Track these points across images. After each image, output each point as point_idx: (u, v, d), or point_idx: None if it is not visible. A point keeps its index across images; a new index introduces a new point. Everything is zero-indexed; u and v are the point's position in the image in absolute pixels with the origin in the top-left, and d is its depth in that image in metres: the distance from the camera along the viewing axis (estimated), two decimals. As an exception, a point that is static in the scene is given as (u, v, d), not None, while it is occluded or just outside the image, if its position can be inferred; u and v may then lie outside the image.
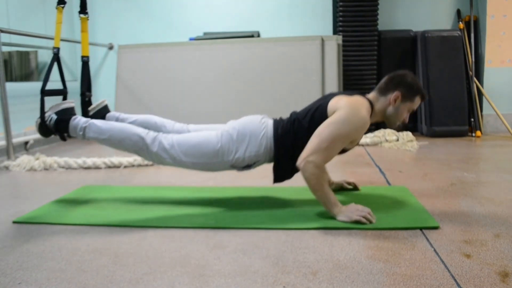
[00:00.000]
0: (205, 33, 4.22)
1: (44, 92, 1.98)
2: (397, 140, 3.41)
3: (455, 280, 1.14)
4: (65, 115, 1.86)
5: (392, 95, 1.70)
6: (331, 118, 1.61)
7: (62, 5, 2.10)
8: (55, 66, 2.11)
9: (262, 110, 3.59)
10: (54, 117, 1.86)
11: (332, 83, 3.61)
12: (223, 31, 4.19)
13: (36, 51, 3.83)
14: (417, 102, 1.73)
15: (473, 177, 2.27)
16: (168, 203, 1.92)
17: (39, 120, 1.90)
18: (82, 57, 2.17)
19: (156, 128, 1.94)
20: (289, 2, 4.20)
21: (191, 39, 4.11)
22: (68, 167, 2.78)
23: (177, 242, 1.46)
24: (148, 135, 1.76)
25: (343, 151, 1.72)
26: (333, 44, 3.64)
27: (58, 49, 2.06)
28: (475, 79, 3.88)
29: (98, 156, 2.89)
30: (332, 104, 1.66)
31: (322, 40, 3.65)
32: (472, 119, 3.81)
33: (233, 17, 4.25)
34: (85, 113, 2.02)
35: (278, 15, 4.22)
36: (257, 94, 3.69)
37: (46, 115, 1.89)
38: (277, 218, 1.65)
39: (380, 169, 2.53)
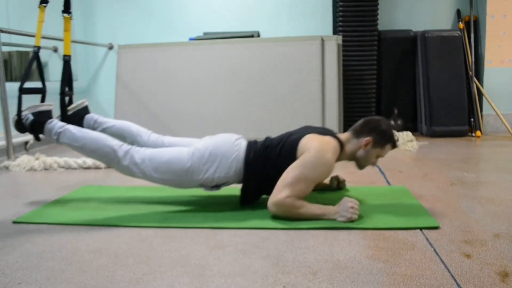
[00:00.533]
0: (205, 33, 4.22)
1: (22, 90, 1.98)
2: (397, 140, 3.41)
3: (455, 280, 1.14)
4: (42, 117, 1.87)
5: (364, 140, 1.73)
6: (298, 161, 1.63)
7: (44, 5, 2.11)
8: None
9: (262, 110, 3.60)
10: (31, 117, 1.88)
11: (332, 83, 3.61)
12: (223, 31, 4.19)
13: (36, 51, 3.83)
14: (387, 149, 1.77)
15: (473, 177, 2.27)
16: (168, 203, 1.92)
17: (16, 118, 1.91)
18: (64, 56, 2.16)
19: (132, 137, 1.97)
20: (289, 2, 4.20)
21: (191, 39, 4.11)
22: (68, 167, 2.78)
23: (177, 242, 1.46)
24: (121, 148, 1.77)
25: None
26: (333, 44, 3.64)
27: (38, 48, 2.07)
28: (475, 79, 3.88)
29: (98, 156, 2.89)
30: (303, 143, 1.68)
31: (322, 40, 3.64)
32: (472, 119, 3.81)
33: (233, 17, 4.24)
34: (64, 112, 2.02)
35: (278, 15, 4.22)
36: (257, 94, 3.69)
37: (23, 114, 1.90)
38: (276, 218, 1.65)
39: (380, 169, 2.53)
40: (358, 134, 1.76)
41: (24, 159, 2.80)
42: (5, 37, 3.14)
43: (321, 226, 1.55)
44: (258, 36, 4.14)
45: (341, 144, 1.74)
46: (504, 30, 3.89)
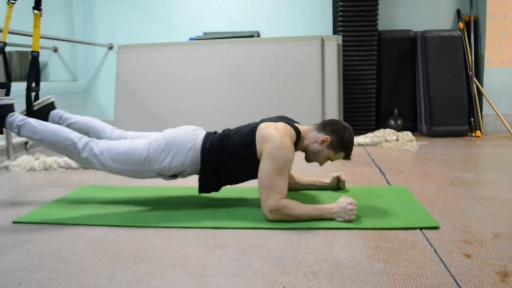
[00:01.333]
0: (205, 33, 4.22)
1: None
2: (397, 140, 3.41)
3: (455, 280, 1.14)
4: (3, 111, 1.87)
5: (323, 136, 1.75)
6: (265, 160, 1.63)
7: (13, 1, 2.12)
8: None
9: (262, 110, 3.60)
10: None
11: (332, 83, 3.61)
12: (223, 31, 4.19)
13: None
14: (338, 156, 1.79)
15: (473, 177, 2.27)
16: (168, 203, 1.92)
17: None
18: (32, 51, 2.17)
19: (95, 132, 2.00)
20: (289, 2, 4.20)
21: (191, 39, 4.11)
22: (68, 167, 2.78)
23: (177, 242, 1.46)
24: (81, 141, 1.79)
25: None
26: (333, 44, 3.64)
27: (4, 43, 2.07)
28: (475, 79, 3.88)
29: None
30: (260, 131, 1.69)
31: (322, 40, 3.65)
32: (472, 119, 3.81)
33: (233, 17, 4.25)
34: (29, 108, 2.03)
35: (278, 15, 4.22)
36: (257, 94, 3.69)
37: None
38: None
39: (380, 169, 2.53)
40: (320, 129, 1.78)
41: (24, 159, 2.80)
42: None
43: (321, 226, 1.55)
44: (258, 36, 4.14)
45: (298, 133, 1.75)
46: (504, 30, 3.89)
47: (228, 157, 1.72)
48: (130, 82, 3.89)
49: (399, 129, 3.78)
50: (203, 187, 1.82)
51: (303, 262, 1.27)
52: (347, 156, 1.80)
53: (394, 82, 4.05)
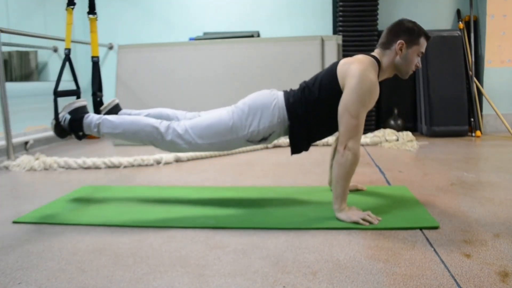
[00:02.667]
0: (205, 33, 4.22)
1: (57, 93, 1.98)
2: (397, 140, 3.41)
3: (455, 280, 1.14)
4: (78, 114, 1.87)
5: (396, 45, 1.68)
6: (347, 95, 1.60)
7: (72, 6, 2.11)
8: (68, 67, 2.11)
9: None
10: (68, 117, 1.87)
11: (332, 83, 3.61)
12: (223, 31, 4.19)
13: (36, 51, 3.83)
14: (423, 43, 1.71)
15: (473, 177, 2.27)
16: (168, 203, 1.92)
17: (54, 122, 1.90)
18: (92, 57, 2.18)
19: (169, 119, 1.94)
20: (289, 2, 4.20)
21: (191, 39, 4.11)
22: (68, 167, 2.78)
23: (177, 242, 1.46)
24: (162, 124, 1.77)
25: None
26: (333, 44, 3.64)
27: (69, 50, 2.08)
28: (475, 79, 3.88)
29: (98, 156, 2.89)
30: (341, 68, 1.66)
31: (322, 40, 3.65)
32: (472, 119, 3.81)
33: (233, 17, 4.25)
34: (97, 113, 2.04)
35: (278, 15, 4.22)
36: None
37: (60, 115, 1.89)
38: (277, 218, 1.65)
39: (380, 169, 2.53)
40: (387, 45, 1.70)
41: (24, 159, 2.80)
42: (5, 37, 3.14)
43: (321, 226, 1.55)
44: (258, 36, 4.14)
45: (378, 61, 1.70)
46: (504, 30, 3.89)
47: (314, 104, 1.68)
48: (130, 82, 3.89)
49: (399, 129, 3.78)
50: (295, 146, 1.77)
51: (303, 262, 1.27)
52: (427, 36, 1.71)
53: (394, 82, 4.03)
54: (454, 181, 2.19)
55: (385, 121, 3.93)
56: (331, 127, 1.70)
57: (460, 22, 3.96)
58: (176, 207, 1.85)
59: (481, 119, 3.93)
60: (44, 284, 1.18)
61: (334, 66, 1.71)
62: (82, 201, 1.98)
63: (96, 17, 2.18)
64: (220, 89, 3.74)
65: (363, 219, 1.57)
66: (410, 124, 4.02)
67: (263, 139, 1.75)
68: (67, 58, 2.08)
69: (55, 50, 4.04)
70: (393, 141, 3.39)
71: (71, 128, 1.87)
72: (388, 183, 2.22)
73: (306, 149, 1.80)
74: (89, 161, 2.78)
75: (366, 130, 3.74)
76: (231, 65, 3.74)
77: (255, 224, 1.60)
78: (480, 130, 3.81)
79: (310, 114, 1.69)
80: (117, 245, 1.45)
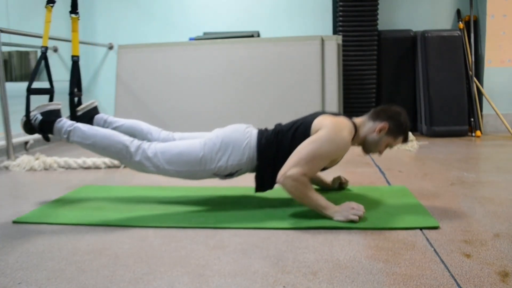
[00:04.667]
0: (205, 33, 4.22)
1: (30, 91, 1.97)
2: (409, 138, 3.40)
3: (455, 280, 1.14)
4: (51, 116, 1.86)
5: (380, 125, 1.72)
6: (313, 137, 1.62)
7: (51, 4, 2.10)
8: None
9: (262, 110, 3.60)
10: (39, 117, 1.87)
11: (332, 83, 3.61)
12: (223, 31, 4.19)
13: (36, 51, 3.83)
14: (398, 141, 1.77)
15: (473, 177, 2.27)
16: (168, 203, 1.92)
17: (24, 118, 1.89)
18: (72, 56, 2.16)
19: (142, 135, 1.96)
20: (289, 2, 4.20)
21: (191, 39, 4.11)
22: (68, 167, 2.78)
23: (177, 242, 1.46)
24: (133, 143, 1.77)
25: (323, 169, 1.75)
26: (333, 44, 3.64)
27: (46, 48, 2.06)
28: (475, 79, 3.88)
29: (98, 156, 2.89)
30: (316, 122, 1.68)
31: (322, 40, 3.65)
32: (472, 119, 3.81)
33: (233, 17, 4.24)
34: (73, 113, 2.01)
35: (278, 15, 4.22)
36: (257, 94, 3.69)
37: (32, 114, 1.88)
38: (277, 218, 1.65)
39: (380, 169, 2.53)
40: (375, 118, 1.75)
41: (24, 159, 2.80)
42: (5, 37, 3.14)
43: (321, 226, 1.55)
44: (258, 36, 4.14)
45: (355, 127, 1.73)
46: (504, 30, 3.89)
47: (284, 150, 1.69)
48: (130, 82, 3.89)
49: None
50: (260, 185, 1.78)
51: (303, 262, 1.27)
52: (405, 139, 1.77)
53: (394, 82, 4.05)
54: (454, 181, 2.19)
55: (385, 121, 3.93)
56: None
57: (460, 22, 3.96)
58: (176, 207, 1.85)
59: (481, 119, 3.93)
60: (44, 284, 1.18)
61: (313, 118, 1.71)
62: (82, 201, 1.98)
63: (78, 17, 2.18)
64: (220, 89, 3.74)
65: (353, 211, 1.57)
66: (410, 124, 4.01)
67: (230, 174, 1.77)
68: (44, 56, 2.06)
69: (55, 50, 4.04)
70: (393, 141, 3.38)
71: (41, 129, 1.87)
72: (388, 183, 2.22)
73: (271, 188, 1.80)
74: (89, 161, 2.78)
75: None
76: (231, 65, 3.74)
77: (255, 224, 1.60)
78: (480, 130, 3.81)
79: (279, 158, 1.69)
80: (117, 245, 1.45)
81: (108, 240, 1.49)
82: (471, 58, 3.87)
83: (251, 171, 1.79)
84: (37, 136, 3.63)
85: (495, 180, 2.20)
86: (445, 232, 1.48)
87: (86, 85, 4.46)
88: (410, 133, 3.44)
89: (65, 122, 1.85)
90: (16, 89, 3.43)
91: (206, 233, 1.53)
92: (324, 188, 2.05)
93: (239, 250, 1.38)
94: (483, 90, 3.91)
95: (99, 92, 4.46)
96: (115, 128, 1.97)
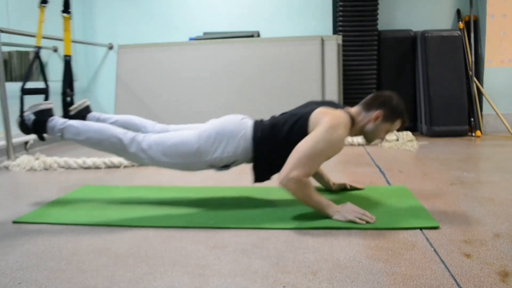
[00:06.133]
0: (205, 33, 4.22)
1: (24, 91, 1.98)
2: (397, 140, 3.41)
3: (455, 280, 1.14)
4: (43, 116, 1.86)
5: (374, 113, 1.72)
6: (311, 135, 1.61)
7: (44, 5, 2.10)
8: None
9: (262, 110, 3.60)
10: (32, 117, 1.87)
11: (332, 83, 3.61)
12: (223, 31, 4.19)
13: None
14: (396, 125, 1.77)
15: (473, 177, 2.27)
16: (168, 203, 1.92)
17: (19, 119, 1.90)
18: (65, 56, 2.16)
19: (136, 129, 1.95)
20: (289, 2, 4.20)
21: (191, 39, 4.11)
22: (68, 167, 2.78)
23: (177, 242, 1.46)
24: (126, 136, 1.77)
25: None
26: (333, 44, 3.64)
27: (39, 48, 2.06)
28: (475, 79, 3.88)
29: (98, 156, 2.89)
30: (314, 118, 1.66)
31: (322, 40, 3.65)
32: (472, 119, 3.81)
33: (233, 17, 4.25)
34: (66, 113, 2.02)
35: (278, 15, 4.22)
36: (257, 94, 3.69)
37: (25, 114, 1.89)
38: (277, 218, 1.65)
39: (380, 169, 2.53)
40: (368, 107, 1.75)
41: (24, 159, 2.80)
42: (5, 37, 3.14)
43: (321, 226, 1.55)
44: (258, 36, 4.14)
45: (352, 118, 1.73)
46: (504, 30, 3.89)
47: (280, 143, 1.69)
48: (130, 82, 3.89)
49: (399, 129, 3.77)
50: (257, 176, 1.78)
51: (303, 262, 1.27)
52: (403, 122, 1.77)
53: (394, 82, 4.05)
54: (454, 181, 2.19)
55: (385, 121, 3.93)
56: None
57: (460, 22, 3.96)
58: (176, 207, 1.85)
59: (481, 119, 3.93)
60: (44, 284, 1.18)
61: (309, 111, 1.70)
62: (82, 201, 1.98)
63: (70, 16, 2.17)
64: (220, 89, 3.74)
65: (360, 218, 1.56)
66: (410, 124, 4.02)
67: (225, 166, 1.77)
68: (37, 56, 2.06)
69: (55, 50, 4.04)
70: (393, 141, 3.39)
71: (34, 128, 1.88)
72: (388, 183, 2.22)
73: (268, 179, 1.80)
74: (89, 161, 2.78)
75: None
76: (231, 65, 3.74)
77: (255, 224, 1.60)
78: (480, 130, 3.81)
79: (274, 151, 1.70)
80: (117, 245, 1.45)
81: (108, 240, 1.49)
82: (471, 58, 3.87)
83: (247, 162, 1.78)
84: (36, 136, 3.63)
85: (495, 180, 2.20)
86: (445, 232, 1.48)
87: (86, 85, 4.46)
88: (409, 133, 3.45)
89: (57, 120, 1.86)
90: (16, 89, 3.43)
91: (206, 233, 1.53)
92: (326, 188, 2.05)
93: (239, 250, 1.38)
94: (483, 90, 3.91)
95: (99, 92, 4.46)
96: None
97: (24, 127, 1.90)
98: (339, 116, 1.66)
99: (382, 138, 1.79)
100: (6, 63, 3.36)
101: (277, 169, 1.72)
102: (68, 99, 2.06)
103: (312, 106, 1.75)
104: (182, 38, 4.19)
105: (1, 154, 3.02)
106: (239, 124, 1.76)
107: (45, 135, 1.92)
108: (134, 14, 4.35)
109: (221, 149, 1.72)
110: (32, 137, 3.43)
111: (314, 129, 1.63)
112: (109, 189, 2.19)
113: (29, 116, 1.88)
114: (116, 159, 2.79)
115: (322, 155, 1.60)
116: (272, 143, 1.71)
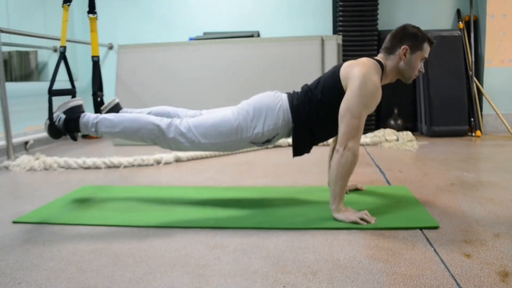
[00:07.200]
0: (205, 33, 4.22)
1: (52, 92, 1.93)
2: (397, 140, 3.41)
3: (455, 280, 1.14)
4: (74, 113, 1.81)
5: (401, 50, 1.71)
6: (349, 97, 1.60)
7: (68, 3, 2.08)
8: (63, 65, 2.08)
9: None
10: (63, 116, 1.81)
11: (332, 83, 3.61)
12: (223, 31, 4.19)
13: (36, 51, 3.83)
14: (426, 48, 1.74)
15: (473, 177, 2.27)
16: (168, 203, 1.92)
17: (48, 122, 1.84)
18: (93, 57, 2.15)
19: (169, 117, 1.91)
20: (289, 2, 4.20)
21: (191, 39, 4.11)
22: (68, 167, 2.78)
23: (177, 242, 1.46)
24: (163, 121, 1.74)
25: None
26: (333, 44, 3.64)
27: (64, 48, 2.03)
28: (475, 79, 3.88)
29: (98, 156, 2.89)
30: (344, 70, 1.67)
31: (322, 40, 3.65)
32: (472, 119, 3.81)
33: (233, 17, 4.25)
34: (98, 113, 2.00)
35: (278, 15, 4.22)
36: (257, 94, 3.68)
37: (55, 115, 1.84)
38: (277, 218, 1.65)
39: (380, 169, 2.53)
40: (390, 49, 1.73)
41: (24, 159, 2.80)
42: (5, 37, 3.14)
43: (321, 226, 1.55)
44: (258, 36, 4.14)
45: (381, 64, 1.72)
46: (504, 30, 3.89)
47: (317, 107, 1.68)
48: (130, 82, 3.89)
49: (399, 129, 3.78)
50: (297, 149, 1.77)
51: (303, 262, 1.27)
52: (431, 42, 1.75)
53: (394, 82, 4.04)
54: (454, 181, 2.19)
55: (385, 121, 3.94)
56: (334, 129, 1.69)
57: (460, 22, 3.96)
58: (176, 207, 1.85)
59: (481, 119, 3.93)
60: (44, 284, 1.18)
61: (337, 68, 1.71)
62: (82, 201, 1.98)
63: (96, 17, 2.17)
64: (220, 89, 3.74)
65: (361, 219, 1.56)
66: (410, 124, 4.02)
67: (267, 141, 1.75)
68: (63, 56, 2.03)
69: (55, 50, 4.04)
70: (393, 141, 3.39)
71: (66, 128, 1.82)
72: (388, 183, 2.22)
73: (308, 151, 1.79)
74: (89, 161, 2.78)
75: (366, 130, 3.74)
76: (231, 65, 3.74)
77: (255, 224, 1.60)
78: (480, 130, 3.81)
79: (313, 116, 1.70)
80: (117, 245, 1.45)
81: (108, 240, 1.49)
82: (471, 58, 3.87)
83: (287, 135, 1.77)
84: (37, 136, 3.64)
85: (495, 180, 2.20)
86: (445, 232, 1.48)
87: (86, 85, 4.46)
88: (409, 133, 3.45)
89: (89, 115, 1.81)
90: (16, 89, 3.44)
91: (206, 233, 1.53)
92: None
93: (239, 250, 1.38)
94: (483, 90, 3.91)
95: (99, 92, 4.45)
96: None
97: (53, 130, 1.83)
98: (367, 64, 1.66)
99: (421, 69, 1.77)
100: (6, 63, 3.36)
101: (318, 138, 1.74)
102: (98, 99, 2.05)
103: (338, 66, 1.74)
104: (182, 38, 4.19)
105: (1, 154, 3.02)
106: (274, 97, 1.75)
107: (76, 134, 1.85)
108: (134, 14, 4.35)
109: (261, 124, 1.70)
110: (32, 137, 3.44)
111: (347, 81, 1.63)
112: (109, 189, 2.19)
113: (60, 116, 1.82)
114: (116, 159, 2.79)
115: (367, 110, 1.61)
116: (309, 108, 1.70)
